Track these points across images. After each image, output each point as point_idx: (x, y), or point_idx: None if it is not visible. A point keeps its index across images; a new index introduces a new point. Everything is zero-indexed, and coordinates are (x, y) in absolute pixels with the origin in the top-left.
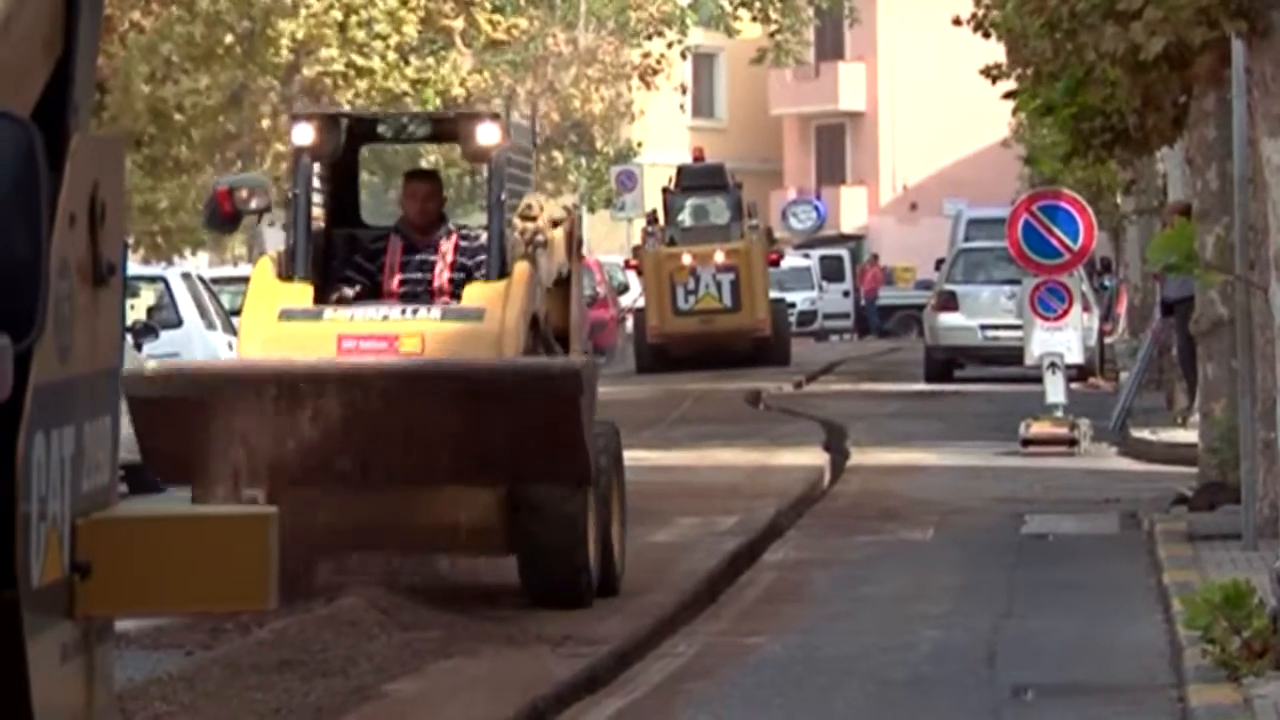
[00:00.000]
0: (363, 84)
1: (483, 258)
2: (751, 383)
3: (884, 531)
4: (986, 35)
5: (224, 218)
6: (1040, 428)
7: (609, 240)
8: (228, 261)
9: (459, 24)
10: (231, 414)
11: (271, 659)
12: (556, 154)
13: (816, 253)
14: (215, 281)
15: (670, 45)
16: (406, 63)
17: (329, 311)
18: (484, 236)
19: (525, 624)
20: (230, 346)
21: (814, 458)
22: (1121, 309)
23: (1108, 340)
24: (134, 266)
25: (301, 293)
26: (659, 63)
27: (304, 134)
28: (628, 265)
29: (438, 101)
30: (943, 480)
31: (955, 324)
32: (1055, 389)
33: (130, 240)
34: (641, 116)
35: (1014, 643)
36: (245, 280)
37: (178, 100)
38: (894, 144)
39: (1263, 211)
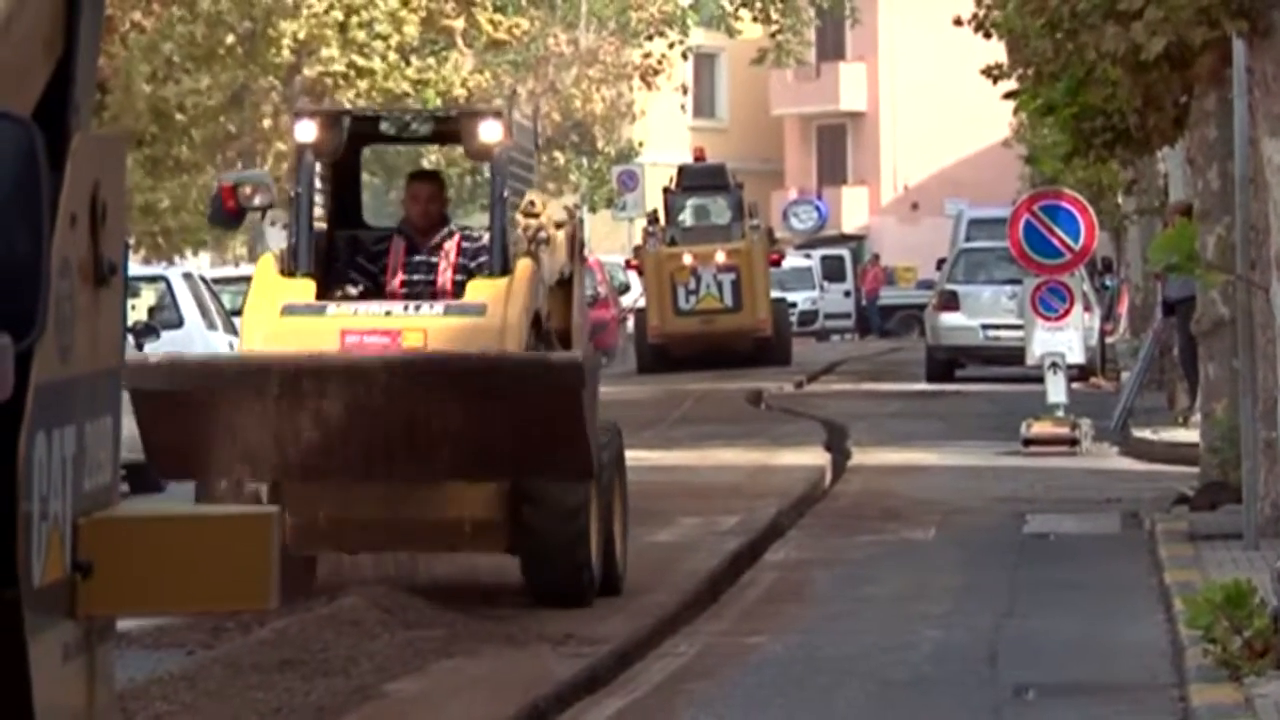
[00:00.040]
0: (363, 84)
1: (485, 258)
2: (752, 383)
3: (885, 531)
4: (987, 35)
5: (228, 214)
6: (1041, 427)
7: (610, 240)
8: (229, 262)
9: (460, 24)
10: (234, 406)
11: (273, 658)
12: (558, 154)
13: (818, 253)
14: (217, 281)
15: (671, 45)
16: (407, 63)
17: (332, 307)
18: (486, 237)
19: (526, 623)
20: (231, 347)
21: (815, 457)
22: (1123, 309)
23: (1109, 340)
24: (135, 266)
25: (304, 288)
26: (660, 63)
27: (307, 131)
28: (629, 265)
29: (439, 102)
30: (944, 480)
31: (956, 324)
32: (1056, 389)
33: (131, 240)
34: (642, 116)
35: (1015, 642)
36: (247, 280)
37: (179, 100)
38: (895, 144)
39: (1264, 211)
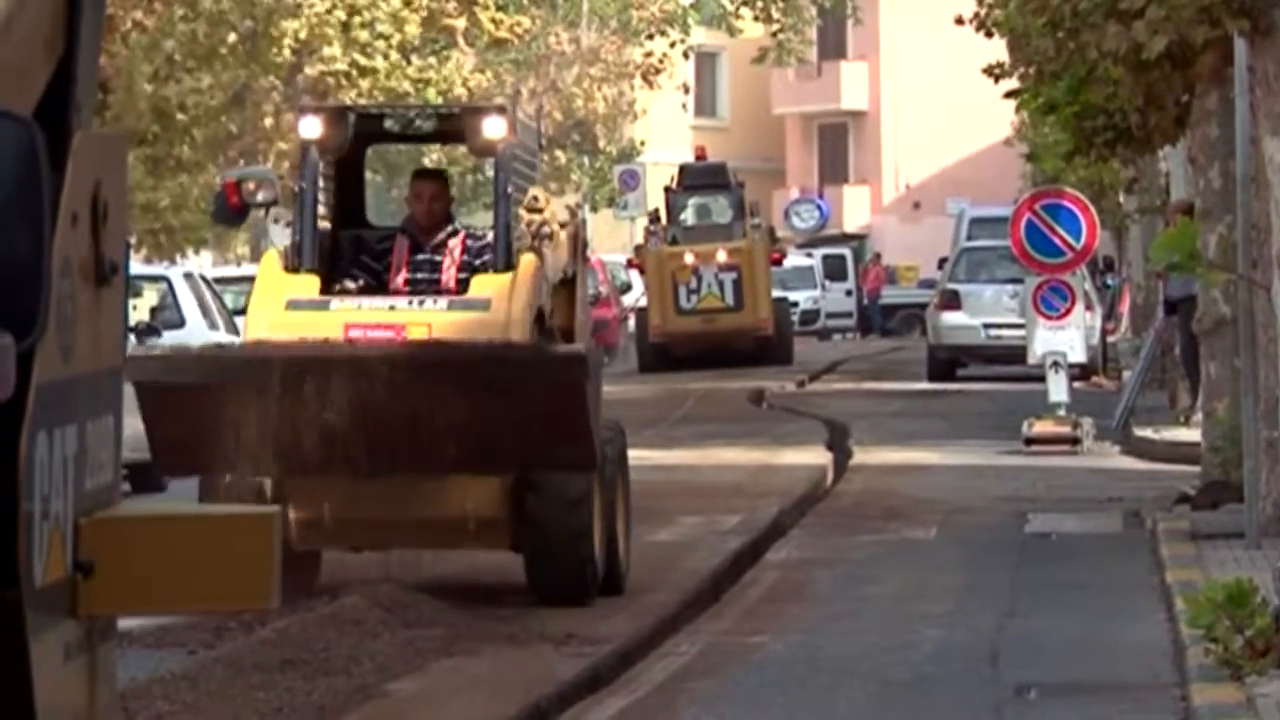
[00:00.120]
0: (365, 83)
1: (489, 256)
2: (754, 382)
3: (887, 531)
4: (989, 34)
5: (232, 210)
6: (1043, 427)
7: (611, 239)
8: (231, 261)
9: (461, 23)
10: (237, 398)
11: (274, 658)
12: (559, 153)
13: (819, 252)
14: (218, 281)
15: (673, 44)
16: (409, 62)
17: (335, 302)
18: (490, 235)
19: (528, 623)
20: None
21: (817, 457)
22: (1124, 308)
23: (1110, 339)
24: (137, 266)
25: (308, 284)
26: (661, 62)
27: (311, 127)
28: (630, 264)
29: (440, 101)
30: (945, 479)
31: (958, 323)
32: (1058, 388)
33: (133, 239)
34: (644, 116)
35: (1017, 642)
36: (248, 280)
37: (180, 99)
38: (896, 143)
39: (1265, 210)
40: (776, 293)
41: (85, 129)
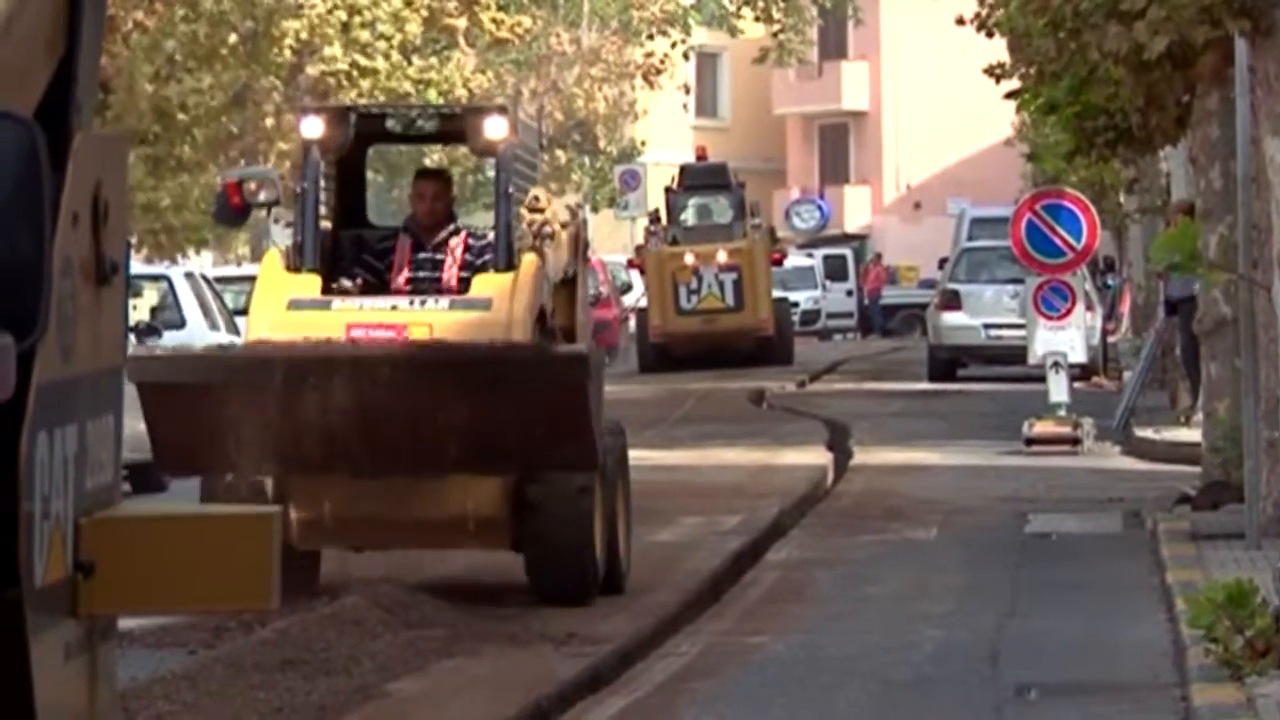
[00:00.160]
0: (366, 84)
1: (490, 256)
2: (754, 382)
3: (887, 531)
4: (990, 34)
5: (233, 210)
6: (1043, 427)
7: (612, 239)
8: (231, 261)
9: (462, 23)
10: (239, 397)
11: (274, 658)
12: (560, 153)
13: (820, 252)
14: (219, 281)
15: (673, 45)
16: (410, 62)
17: (337, 302)
18: (491, 235)
19: (528, 623)
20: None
21: (817, 457)
22: (1125, 308)
23: (1111, 339)
24: (137, 266)
25: (310, 283)
26: (662, 62)
27: (313, 127)
28: (630, 264)
29: (441, 101)
30: (946, 479)
31: (958, 323)
32: (1058, 388)
33: (133, 239)
34: (645, 116)
35: (1017, 642)
36: (249, 280)
37: (181, 100)
38: (897, 143)
39: (1266, 210)
40: (777, 293)
41: (86, 129)
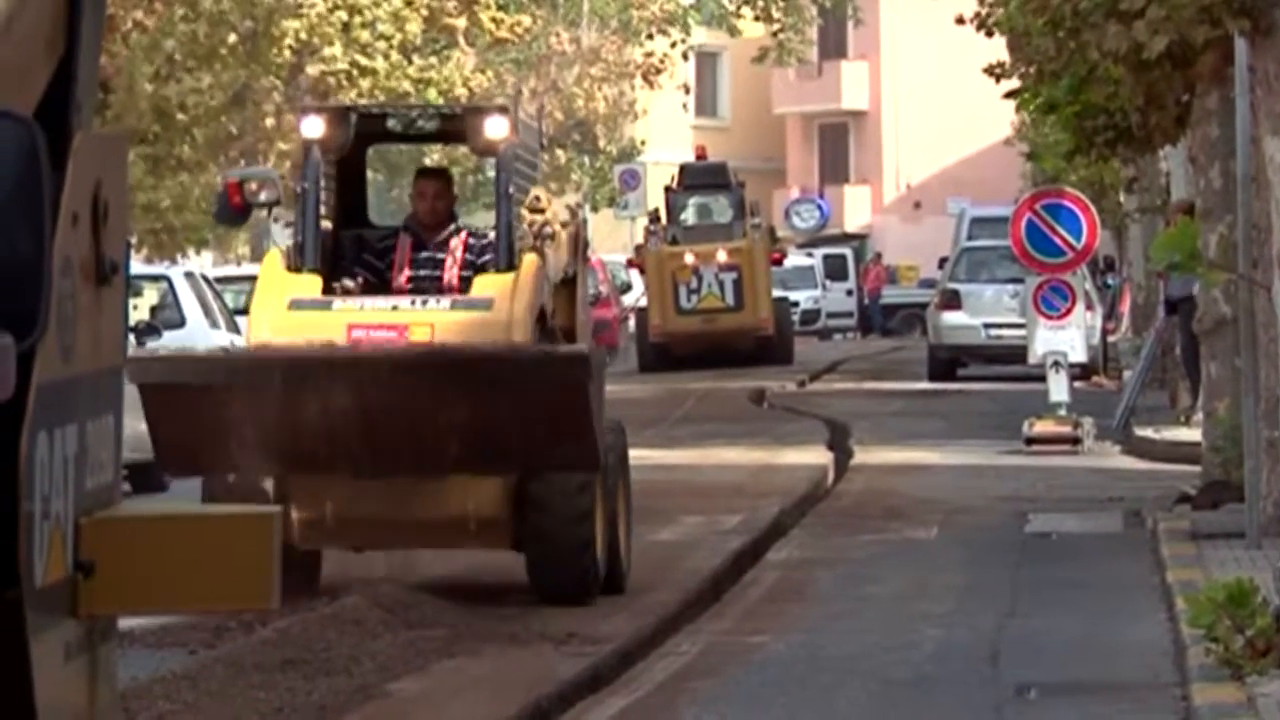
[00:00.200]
0: (366, 84)
1: (491, 256)
2: (755, 381)
3: (888, 530)
4: (989, 34)
5: (234, 210)
6: (1044, 426)
7: (612, 239)
8: (232, 260)
9: (462, 23)
10: (241, 399)
11: (275, 658)
12: (560, 152)
13: (820, 251)
14: (219, 280)
15: (673, 44)
16: (410, 62)
17: (338, 302)
18: (492, 234)
19: (529, 622)
20: (234, 346)
21: (818, 456)
22: (1125, 307)
23: (1111, 339)
24: (137, 265)
25: (310, 283)
26: (662, 62)
27: (313, 127)
28: (630, 264)
29: (441, 101)
30: (946, 479)
31: (958, 323)
32: (1058, 388)
33: (133, 239)
34: (644, 115)
35: (1017, 641)
36: (249, 279)
37: (180, 99)
38: (897, 143)
39: (1266, 210)
40: (777, 292)
41: (86, 129)
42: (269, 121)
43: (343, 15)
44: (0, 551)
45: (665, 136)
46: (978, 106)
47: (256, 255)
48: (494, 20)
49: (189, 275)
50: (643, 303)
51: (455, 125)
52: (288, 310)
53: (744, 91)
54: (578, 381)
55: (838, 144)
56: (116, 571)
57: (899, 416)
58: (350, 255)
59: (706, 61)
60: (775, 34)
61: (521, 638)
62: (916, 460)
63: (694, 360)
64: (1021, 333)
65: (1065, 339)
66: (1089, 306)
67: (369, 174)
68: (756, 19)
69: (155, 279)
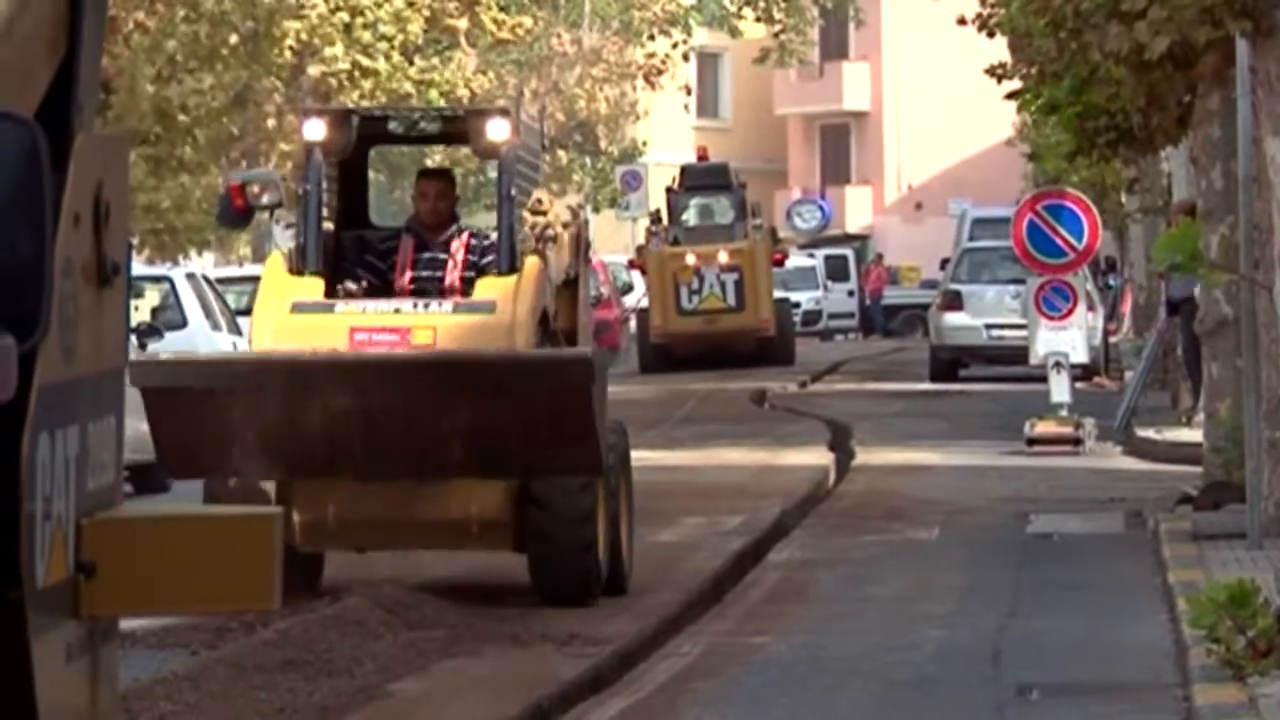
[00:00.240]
0: (367, 84)
1: (493, 257)
2: (756, 382)
3: (889, 531)
4: (991, 35)
5: (236, 213)
6: (1045, 427)
7: (613, 240)
8: (233, 261)
9: (464, 24)
10: (243, 404)
11: (276, 659)
12: (561, 153)
13: (821, 252)
14: (221, 281)
15: (674, 45)
16: (411, 63)
17: (341, 304)
18: (494, 235)
19: (530, 623)
20: (235, 347)
21: (819, 457)
22: (1126, 308)
23: (1112, 339)
24: (139, 267)
25: (313, 286)
26: (663, 63)
27: (315, 130)
28: (631, 265)
29: (442, 102)
30: (948, 480)
31: (960, 323)
32: (1060, 388)
33: (135, 240)
34: (646, 116)
35: (1019, 642)
36: (251, 280)
37: (182, 100)
38: (899, 143)
39: (1267, 211)
40: (778, 293)
41: (87, 130)
42: (270, 122)
43: (344, 16)
44: (2, 552)
45: (667, 137)
46: (979, 107)
47: (258, 256)
48: (495, 21)
49: (190, 276)
50: (644, 304)
51: (457, 127)
52: (290, 313)
53: (745, 92)
54: (580, 386)
55: (839, 145)
56: (118, 572)
57: (900, 417)
58: (352, 256)
59: (708, 62)
60: (777, 35)
61: (523, 638)
62: (918, 461)
63: (695, 361)
64: (1023, 333)
65: (1067, 340)
66: (1090, 307)
67: (370, 174)
68: (758, 20)
69: (157, 280)
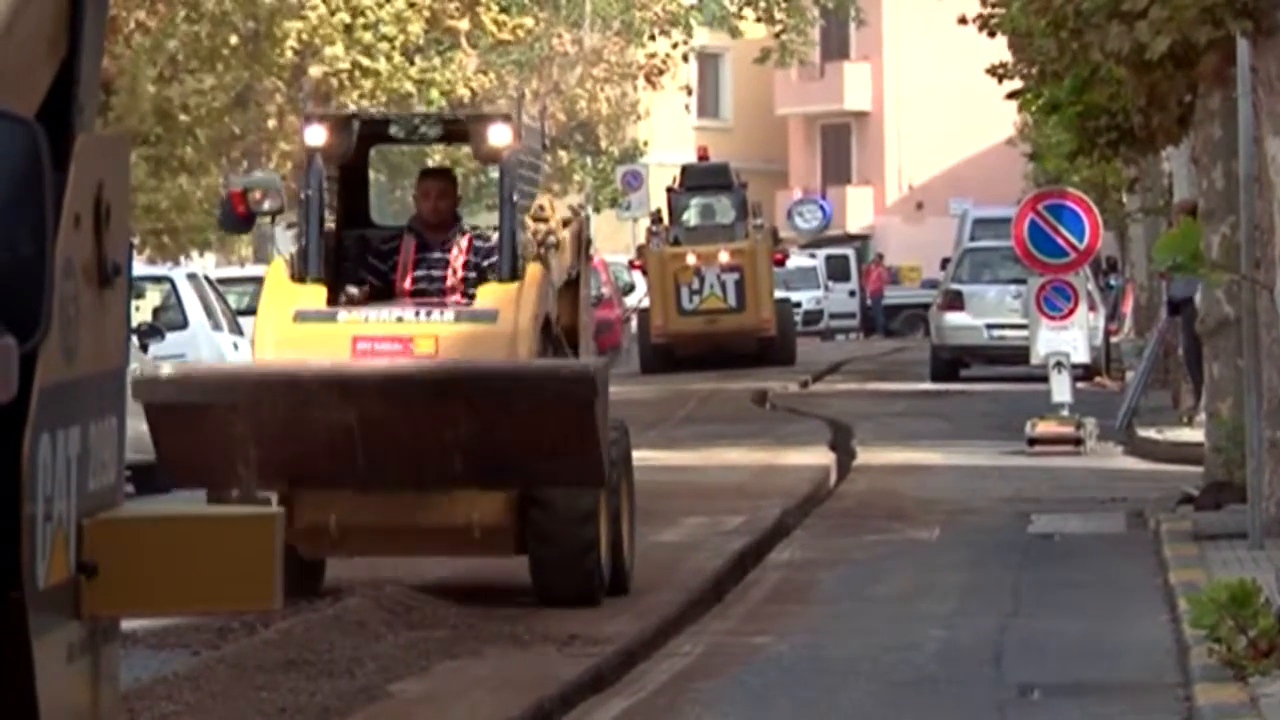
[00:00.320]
0: (368, 84)
1: (495, 259)
2: (757, 382)
3: (890, 531)
4: (992, 34)
5: (238, 219)
6: (1046, 427)
7: (614, 240)
8: (234, 262)
9: (464, 24)
10: (247, 417)
11: (277, 659)
12: (562, 154)
13: (822, 252)
14: (222, 282)
15: (675, 46)
16: (412, 63)
17: (343, 313)
18: (496, 236)
19: (531, 624)
20: (236, 347)
21: (820, 457)
22: (1127, 308)
23: (1113, 339)
24: (140, 267)
25: (315, 294)
26: (664, 63)
27: (316, 135)
28: (632, 265)
29: (443, 102)
30: (949, 480)
31: (961, 323)
32: (1061, 388)
33: (136, 240)
34: (647, 116)
35: (1020, 642)
36: (252, 281)
37: (183, 100)
38: (899, 143)
39: (1268, 211)
40: (779, 293)
41: (88, 130)
42: (271, 122)
43: (345, 16)
44: (3, 553)
45: (667, 137)
46: (980, 107)
47: (259, 257)
48: (496, 22)
49: (191, 277)
50: (645, 304)
51: (459, 131)
52: (293, 322)
53: (746, 92)
54: (583, 399)
55: (840, 145)
56: (119, 573)
57: (901, 417)
58: (354, 257)
59: (709, 62)
60: (777, 35)
61: (524, 639)
62: (919, 461)
63: (696, 361)
64: (1024, 333)
65: (1068, 339)
66: (1091, 307)
67: (371, 174)
68: (758, 20)
69: (158, 280)
